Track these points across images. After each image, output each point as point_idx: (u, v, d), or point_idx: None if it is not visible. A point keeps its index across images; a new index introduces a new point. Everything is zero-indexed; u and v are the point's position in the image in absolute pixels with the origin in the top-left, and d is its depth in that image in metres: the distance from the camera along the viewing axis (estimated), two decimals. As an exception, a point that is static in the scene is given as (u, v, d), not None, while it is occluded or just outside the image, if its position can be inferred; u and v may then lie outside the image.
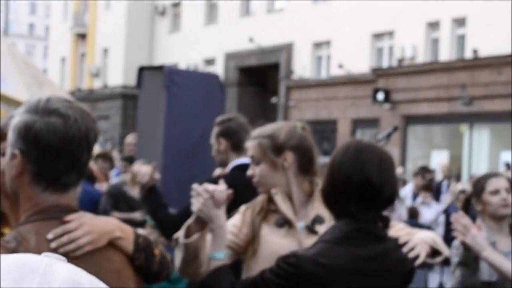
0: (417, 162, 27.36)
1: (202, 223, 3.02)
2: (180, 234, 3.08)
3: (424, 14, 28.62)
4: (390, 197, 2.90)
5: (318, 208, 3.35)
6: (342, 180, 2.86)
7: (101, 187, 10.38)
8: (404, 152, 28.18)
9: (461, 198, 12.80)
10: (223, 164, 5.24)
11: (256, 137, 3.58)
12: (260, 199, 3.46)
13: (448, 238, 11.69)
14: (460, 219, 4.33)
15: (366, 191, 2.82)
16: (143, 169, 5.22)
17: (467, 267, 4.68)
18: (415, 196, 13.64)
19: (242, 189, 3.46)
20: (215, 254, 2.93)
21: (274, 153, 3.47)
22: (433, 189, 14.04)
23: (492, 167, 23.95)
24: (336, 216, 2.92)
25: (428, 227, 9.95)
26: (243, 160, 4.94)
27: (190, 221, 3.08)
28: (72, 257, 2.04)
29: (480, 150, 27.12)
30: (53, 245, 2.09)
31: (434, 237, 3.27)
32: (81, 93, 44.66)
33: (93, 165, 10.97)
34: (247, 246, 3.32)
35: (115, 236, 2.25)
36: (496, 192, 4.78)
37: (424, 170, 16.24)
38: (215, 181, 4.75)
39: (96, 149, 17.41)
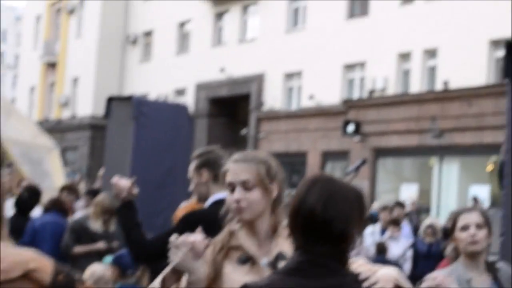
0: (386, 196, 27.47)
1: (178, 274, 2.97)
2: (155, 284, 3.05)
3: (395, 46, 28.92)
4: (341, 232, 2.78)
5: (282, 244, 3.31)
6: (291, 212, 2.84)
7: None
8: (373, 185, 28.25)
9: (429, 232, 12.74)
10: (203, 198, 5.14)
11: (250, 160, 3.47)
12: (220, 236, 3.37)
13: (416, 273, 11.65)
14: (442, 275, 4.26)
15: (311, 224, 2.77)
16: (122, 183, 5.07)
17: None
18: (383, 230, 13.52)
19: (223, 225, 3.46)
20: None
21: (269, 180, 3.42)
22: (399, 224, 13.90)
23: (461, 201, 24.14)
24: (293, 248, 2.88)
25: (395, 262, 9.92)
26: (224, 194, 4.73)
27: (166, 271, 3.03)
28: None
29: (450, 183, 27.25)
30: None
31: (398, 274, 3.10)
32: (49, 124, 44.50)
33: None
34: (210, 286, 3.21)
35: (30, 267, 2.20)
36: (465, 228, 4.76)
37: (397, 204, 16.25)
38: (198, 215, 4.83)
39: (63, 180, 17.16)
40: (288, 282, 2.73)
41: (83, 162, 41.48)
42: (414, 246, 11.68)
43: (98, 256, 8.96)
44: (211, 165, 5.05)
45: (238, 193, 3.35)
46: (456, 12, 26.59)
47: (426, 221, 13.34)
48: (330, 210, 2.75)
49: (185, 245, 2.93)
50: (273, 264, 3.22)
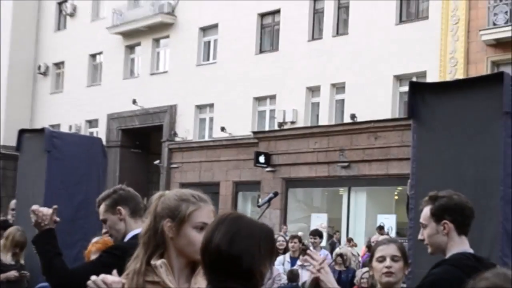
0: (297, 225, 27.61)
1: None
2: None
3: (304, 80, 29.15)
4: (249, 268, 2.77)
5: (200, 283, 3.25)
6: (201, 249, 2.84)
7: None
8: (284, 214, 28.28)
9: (338, 261, 12.92)
10: (120, 235, 5.05)
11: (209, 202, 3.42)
12: (132, 269, 3.30)
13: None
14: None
15: (218, 261, 2.76)
16: (44, 210, 4.99)
17: None
18: (292, 259, 13.56)
19: None
20: None
21: None
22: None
23: (369, 230, 24.39)
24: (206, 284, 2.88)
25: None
26: (139, 229, 4.69)
27: None
28: None
29: (358, 212, 27.46)
30: None
31: None
32: (-43, 154, 43.33)
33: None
34: None
35: None
36: (381, 259, 4.81)
37: (316, 233, 16.35)
38: (122, 249, 4.57)
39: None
40: None
41: (-7, 193, 40.51)
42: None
43: (9, 286, 8.90)
44: (126, 201, 5.01)
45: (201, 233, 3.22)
46: (362, 48, 27.05)
47: (337, 250, 13.46)
48: (236, 247, 2.75)
49: (101, 285, 2.86)
50: None
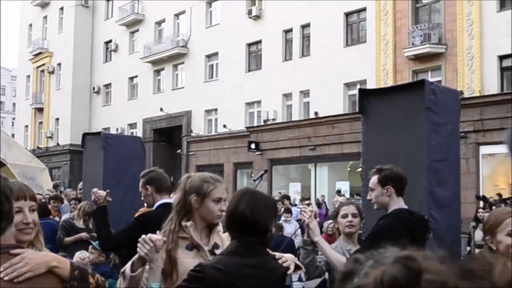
0: (279, 191, 27.63)
1: (143, 261, 2.93)
2: (126, 268, 2.99)
3: (281, 89, 29.08)
4: (264, 228, 2.88)
5: (216, 238, 3.32)
6: (228, 215, 2.94)
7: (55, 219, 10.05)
8: (270, 184, 28.22)
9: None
10: (150, 205, 5.00)
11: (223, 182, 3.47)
12: (168, 228, 3.29)
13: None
14: (306, 210, 4.32)
15: (243, 223, 2.86)
16: (101, 192, 5.05)
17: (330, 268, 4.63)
18: (279, 217, 13.51)
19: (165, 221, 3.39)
20: (153, 284, 2.87)
21: None
22: (291, 211, 13.90)
23: (330, 193, 24.30)
24: (231, 238, 2.97)
25: (290, 237, 9.94)
26: (165, 200, 4.84)
27: (134, 258, 2.97)
28: (16, 282, 2.04)
29: (322, 181, 27.43)
30: (1, 275, 2.04)
31: (295, 258, 3.23)
32: (39, 151, 43.31)
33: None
34: (166, 267, 3.14)
35: (52, 265, 2.15)
36: (345, 216, 4.84)
37: (284, 197, 16.32)
38: (146, 216, 4.77)
39: (51, 189, 16.83)
40: (230, 260, 2.82)
41: (65, 177, 40.50)
42: (301, 226, 11.66)
43: (82, 244, 8.84)
44: (153, 182, 4.93)
45: (224, 206, 3.32)
46: (321, 64, 27.02)
47: (310, 208, 13.38)
48: (255, 213, 2.86)
49: (150, 242, 2.87)
50: (211, 250, 3.22)
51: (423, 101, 6.10)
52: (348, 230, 4.81)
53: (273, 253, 3.06)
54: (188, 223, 3.27)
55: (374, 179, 4.40)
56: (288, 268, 3.01)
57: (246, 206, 2.87)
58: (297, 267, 3.14)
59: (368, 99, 6.64)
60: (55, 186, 21.93)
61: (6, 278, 2.02)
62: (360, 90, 6.74)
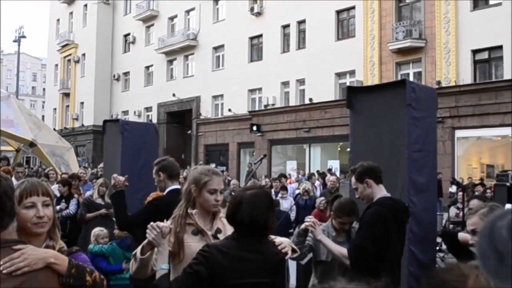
0: (278, 167, 27.65)
1: (152, 245, 2.90)
2: (137, 251, 2.97)
3: (279, 77, 28.94)
4: (264, 223, 2.82)
5: (218, 224, 3.28)
6: (231, 212, 2.86)
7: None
8: (270, 161, 28.21)
9: (305, 193, 12.68)
10: (162, 189, 4.91)
11: (221, 176, 3.41)
12: (177, 214, 3.27)
13: (298, 218, 11.65)
14: (313, 220, 4.26)
15: (244, 220, 2.79)
16: (120, 178, 5.02)
17: (314, 250, 4.59)
18: (275, 193, 13.41)
19: (175, 205, 3.36)
20: (162, 265, 2.80)
21: None
22: (286, 188, 13.72)
23: (322, 169, 24.29)
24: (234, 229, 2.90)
25: (287, 212, 9.91)
26: (175, 186, 4.79)
27: (144, 243, 2.94)
28: (14, 275, 1.97)
29: (315, 160, 27.40)
30: (0, 268, 1.97)
31: (291, 242, 3.19)
32: (66, 130, 43.45)
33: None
34: (174, 250, 3.12)
35: (50, 262, 2.08)
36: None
37: (282, 176, 16.23)
38: (160, 200, 4.71)
39: (77, 167, 16.82)
40: (233, 244, 2.78)
41: (89, 154, 40.54)
42: (296, 201, 11.61)
43: (102, 219, 8.85)
44: (165, 169, 4.84)
45: (220, 196, 3.30)
46: (315, 56, 26.89)
47: (303, 186, 13.28)
48: (254, 218, 2.79)
49: (158, 228, 2.82)
50: (214, 235, 3.19)
51: (405, 98, 6.01)
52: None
53: (273, 237, 3.02)
54: (194, 211, 3.24)
55: (352, 180, 4.35)
56: (286, 253, 2.97)
57: (244, 214, 2.80)
58: (293, 251, 3.10)
59: (356, 96, 6.55)
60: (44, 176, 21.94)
61: (4, 271, 1.97)
62: (348, 88, 6.64)
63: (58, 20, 48.82)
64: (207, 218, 3.28)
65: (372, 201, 4.23)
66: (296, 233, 4.37)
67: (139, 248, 2.97)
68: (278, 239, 3.05)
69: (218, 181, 3.30)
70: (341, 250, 4.13)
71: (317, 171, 21.72)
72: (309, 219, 4.28)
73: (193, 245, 3.10)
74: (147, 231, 2.86)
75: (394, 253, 4.13)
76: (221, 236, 3.15)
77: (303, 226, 4.29)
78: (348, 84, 24.59)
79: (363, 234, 4.04)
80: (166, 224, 2.91)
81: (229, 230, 3.10)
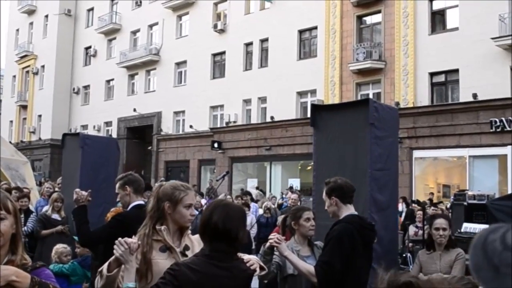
0: (238, 185, 27.56)
1: (119, 262, 2.83)
2: (104, 267, 2.90)
3: (241, 95, 28.97)
4: (235, 236, 2.82)
5: (186, 240, 3.25)
6: (203, 224, 2.85)
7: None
8: (231, 180, 28.11)
9: (266, 211, 12.73)
10: (126, 205, 4.84)
11: (192, 189, 3.39)
12: (143, 232, 3.20)
13: (260, 235, 11.66)
14: (277, 236, 4.23)
15: (215, 232, 2.79)
16: (83, 192, 4.96)
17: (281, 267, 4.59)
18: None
19: (140, 220, 3.32)
20: (128, 284, 2.76)
21: None
22: (249, 205, 13.71)
23: (283, 188, 24.33)
24: (204, 244, 2.89)
25: (247, 229, 9.85)
26: (139, 201, 4.73)
27: (111, 260, 2.87)
28: None
29: (276, 178, 27.42)
30: None
31: (258, 259, 3.20)
32: (23, 144, 42.31)
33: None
34: (141, 268, 3.05)
35: (11, 279, 2.01)
36: (307, 220, 4.73)
37: (246, 193, 16.10)
38: (124, 215, 4.64)
39: (34, 182, 16.38)
40: (203, 261, 2.75)
41: (46, 169, 39.63)
42: (258, 219, 11.64)
43: (58, 236, 8.63)
44: (132, 183, 4.79)
45: (194, 211, 3.30)
46: (277, 75, 27.10)
47: (265, 204, 13.32)
48: (227, 224, 2.80)
49: (125, 244, 2.78)
50: (183, 252, 3.15)
51: (367, 117, 6.12)
52: (311, 232, 4.75)
53: (241, 255, 3.00)
54: (162, 227, 3.19)
55: (324, 191, 4.39)
56: (255, 270, 2.97)
57: (219, 218, 2.80)
58: (261, 268, 3.11)
59: (320, 114, 6.64)
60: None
61: None
62: (313, 106, 6.73)
63: (17, 30, 47.91)
64: (175, 234, 3.24)
65: (338, 218, 4.27)
66: (262, 252, 4.34)
67: (106, 264, 2.91)
68: (246, 256, 3.04)
69: (192, 196, 3.31)
70: (308, 268, 4.13)
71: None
72: (273, 236, 4.26)
73: (161, 262, 3.06)
74: (115, 247, 2.81)
75: (360, 271, 4.17)
76: (189, 253, 3.12)
77: (267, 244, 4.27)
78: (309, 103, 24.83)
79: (330, 250, 4.05)
80: (134, 240, 2.87)
81: (197, 247, 3.09)
